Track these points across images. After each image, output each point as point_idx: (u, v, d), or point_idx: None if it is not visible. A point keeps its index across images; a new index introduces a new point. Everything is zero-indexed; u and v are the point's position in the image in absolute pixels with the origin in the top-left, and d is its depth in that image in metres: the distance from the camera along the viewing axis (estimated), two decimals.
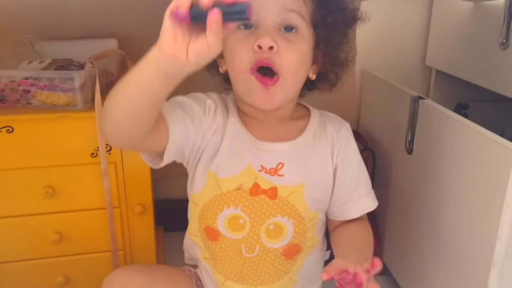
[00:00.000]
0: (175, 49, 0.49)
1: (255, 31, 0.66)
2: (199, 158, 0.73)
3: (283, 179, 0.73)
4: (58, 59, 0.94)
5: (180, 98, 0.71)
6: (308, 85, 0.77)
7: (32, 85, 0.88)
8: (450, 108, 0.87)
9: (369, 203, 0.79)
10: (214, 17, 0.47)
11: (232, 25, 0.50)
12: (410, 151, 0.97)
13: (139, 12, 0.90)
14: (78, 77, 0.87)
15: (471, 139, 0.76)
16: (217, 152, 0.72)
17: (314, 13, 0.69)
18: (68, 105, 0.89)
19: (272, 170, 0.73)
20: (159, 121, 0.64)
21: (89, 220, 0.96)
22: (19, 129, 0.88)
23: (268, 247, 0.74)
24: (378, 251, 1.15)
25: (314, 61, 0.72)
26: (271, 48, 0.64)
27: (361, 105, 1.28)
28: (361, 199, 0.78)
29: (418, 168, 0.94)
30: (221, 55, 0.71)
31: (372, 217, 1.11)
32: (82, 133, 0.90)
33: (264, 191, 0.72)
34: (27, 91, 0.88)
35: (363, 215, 0.79)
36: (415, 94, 0.95)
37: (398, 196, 1.06)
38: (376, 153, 1.13)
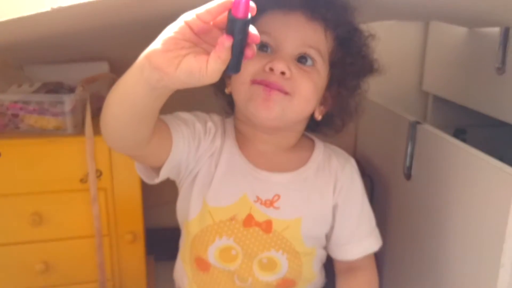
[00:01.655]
0: (165, 60, 0.46)
1: (270, 54, 0.65)
2: (193, 183, 0.70)
3: (279, 212, 0.70)
4: (48, 83, 0.93)
5: (183, 114, 0.69)
6: (313, 126, 0.75)
7: (21, 108, 0.86)
8: (448, 133, 0.85)
9: (372, 244, 0.76)
10: (225, 43, 0.45)
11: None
12: (408, 177, 0.95)
13: (130, 35, 0.90)
14: (68, 101, 0.85)
15: (471, 164, 0.74)
16: (212, 180, 0.70)
17: (334, 52, 0.68)
18: (57, 129, 0.87)
19: (268, 202, 0.70)
20: (163, 132, 0.62)
21: (77, 249, 0.92)
22: (6, 153, 0.85)
23: (260, 280, 0.71)
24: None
25: (323, 102, 0.70)
26: (283, 73, 0.62)
27: (358, 130, 1.26)
28: (363, 240, 0.75)
29: (417, 194, 0.92)
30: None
31: None
32: (71, 158, 0.88)
33: (258, 224, 0.69)
34: (15, 115, 0.86)
35: (370, 259, 0.76)
36: (412, 119, 0.93)
37: (397, 222, 1.03)
38: (374, 179, 1.11)
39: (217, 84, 0.69)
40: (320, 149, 0.75)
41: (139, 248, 0.96)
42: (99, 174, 0.89)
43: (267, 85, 0.62)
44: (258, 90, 0.63)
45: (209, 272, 0.72)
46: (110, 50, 0.98)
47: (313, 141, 0.76)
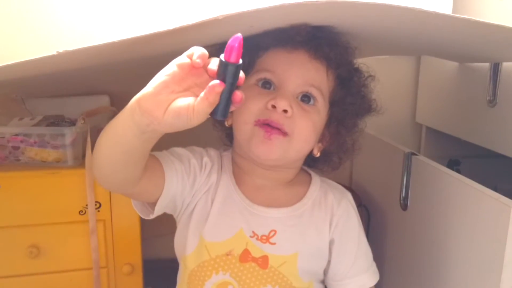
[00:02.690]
0: (154, 104, 0.48)
1: (273, 92, 0.66)
2: (190, 217, 0.70)
3: (275, 247, 0.69)
4: (49, 116, 0.94)
5: (178, 150, 0.70)
6: (310, 162, 0.76)
7: (21, 141, 0.87)
8: (442, 164, 0.87)
9: (368, 279, 0.75)
10: (216, 88, 0.46)
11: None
12: (404, 207, 0.96)
13: (131, 70, 0.91)
14: (69, 133, 0.86)
15: (467, 195, 0.76)
16: (208, 215, 0.70)
17: (334, 91, 0.69)
18: (57, 162, 0.87)
19: (264, 238, 0.69)
20: (155, 169, 0.63)
21: (75, 281, 0.91)
22: (6, 186, 0.85)
23: None
24: None
25: (321, 139, 0.72)
26: (285, 111, 0.63)
27: (354, 161, 1.28)
28: (359, 275, 0.74)
29: (413, 225, 0.93)
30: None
31: None
32: (71, 190, 0.88)
33: (255, 259, 0.69)
34: (16, 148, 0.87)
35: None
36: (408, 150, 0.95)
37: (394, 253, 1.03)
38: (370, 210, 1.12)
39: (217, 121, 0.71)
40: (317, 184, 0.75)
41: (137, 279, 0.95)
42: (98, 205, 0.89)
43: (268, 131, 0.64)
44: (259, 132, 0.64)
45: None
46: (111, 85, 1.00)
47: (310, 176, 0.77)
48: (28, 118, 0.92)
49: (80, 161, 0.89)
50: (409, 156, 0.93)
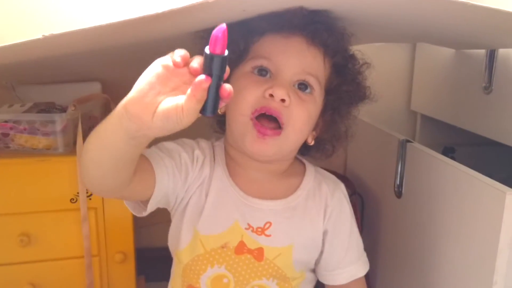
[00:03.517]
0: (141, 107, 0.46)
1: (269, 80, 0.64)
2: (184, 211, 0.69)
3: (270, 239, 0.69)
4: (39, 103, 0.93)
5: (167, 144, 0.68)
6: (303, 150, 0.74)
7: (11, 128, 0.85)
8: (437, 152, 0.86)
9: (359, 269, 0.75)
10: (202, 83, 0.44)
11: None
12: (399, 194, 0.95)
13: (122, 57, 0.90)
14: (59, 120, 0.85)
15: (461, 182, 0.75)
16: (202, 209, 0.68)
17: (330, 79, 0.68)
18: (48, 149, 0.86)
19: (259, 229, 0.69)
20: (144, 169, 0.61)
21: (66, 269, 0.91)
22: None
23: None
24: None
25: (315, 127, 0.70)
26: (283, 100, 0.62)
27: (348, 149, 1.27)
28: (350, 265, 0.74)
29: (408, 212, 0.93)
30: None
31: None
32: (62, 178, 0.87)
33: (250, 251, 0.68)
34: (5, 135, 0.86)
35: (360, 284, 0.76)
36: (402, 137, 0.94)
37: (388, 241, 1.03)
38: (364, 198, 1.12)
39: None
40: (311, 175, 0.74)
41: (130, 268, 0.95)
42: (89, 193, 0.88)
43: (261, 131, 0.62)
44: (253, 132, 0.63)
45: None
46: (102, 71, 0.98)
47: (304, 166, 0.76)
48: (18, 105, 0.91)
49: (71, 148, 0.88)
50: (403, 144, 0.93)
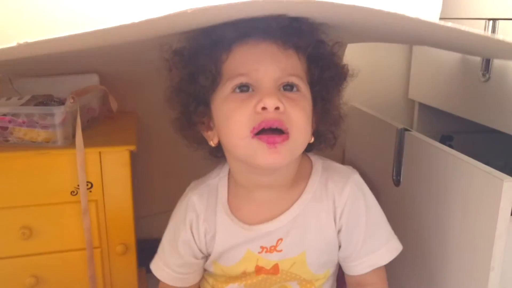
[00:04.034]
0: None
1: (254, 93, 0.61)
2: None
3: (282, 254, 0.70)
4: (37, 95, 0.92)
5: (177, 267, 0.75)
6: (306, 147, 0.72)
7: (10, 121, 0.85)
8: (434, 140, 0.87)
9: (381, 257, 0.72)
10: None
11: None
12: (397, 183, 0.96)
13: (119, 50, 0.90)
14: (58, 113, 0.85)
15: (459, 169, 0.76)
16: (214, 251, 0.72)
17: (310, 72, 0.66)
18: (47, 142, 0.86)
19: (272, 248, 0.70)
20: None
21: (68, 262, 0.91)
22: None
23: None
24: None
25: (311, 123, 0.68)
26: (277, 108, 0.59)
27: (346, 138, 1.27)
28: (369, 255, 0.72)
29: (407, 200, 0.93)
30: (208, 128, 0.68)
31: None
32: (62, 171, 0.87)
33: (267, 271, 0.70)
34: (4, 128, 0.86)
35: (379, 274, 0.74)
36: (400, 126, 0.95)
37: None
38: None
39: (193, 142, 0.69)
40: (317, 174, 0.72)
41: (131, 259, 0.95)
42: (89, 186, 0.89)
43: (271, 142, 0.60)
44: (262, 146, 0.60)
45: None
46: (99, 63, 0.98)
47: (311, 164, 0.74)
48: (16, 97, 0.91)
49: (70, 141, 0.88)
50: (402, 132, 0.93)
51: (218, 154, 0.71)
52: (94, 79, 1.02)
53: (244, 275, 0.72)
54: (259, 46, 0.62)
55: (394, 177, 0.96)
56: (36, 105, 0.89)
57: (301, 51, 0.64)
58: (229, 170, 0.73)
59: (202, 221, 0.71)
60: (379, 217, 0.74)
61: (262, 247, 0.69)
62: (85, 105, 0.95)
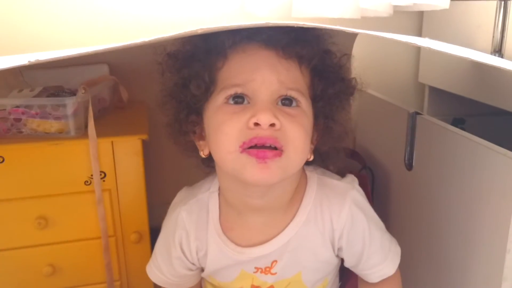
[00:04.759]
0: None
1: (249, 106, 0.56)
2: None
3: (277, 276, 0.68)
4: (48, 87, 0.93)
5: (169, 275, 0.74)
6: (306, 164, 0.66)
7: (23, 113, 0.86)
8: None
9: (386, 269, 0.71)
10: None
11: None
12: (409, 167, 0.95)
13: (130, 38, 0.90)
14: (70, 104, 0.85)
15: (473, 152, 0.75)
16: (207, 268, 0.71)
17: (313, 86, 0.61)
18: (60, 133, 0.87)
19: (267, 269, 0.68)
20: None
21: (84, 250, 0.92)
22: (10, 158, 0.85)
23: None
24: None
25: (311, 139, 0.63)
26: (272, 125, 0.55)
27: (358, 123, 1.27)
28: (377, 266, 0.71)
29: (419, 184, 0.93)
30: (200, 137, 0.64)
31: None
32: (75, 161, 0.88)
33: None
34: (18, 120, 0.86)
35: (393, 281, 0.73)
36: (412, 110, 0.94)
37: (399, 214, 1.04)
38: (374, 171, 1.12)
39: (187, 149, 0.67)
40: (311, 195, 0.68)
41: (145, 247, 0.96)
42: (103, 175, 0.89)
43: (260, 157, 0.55)
44: (251, 161, 0.55)
45: None
46: (109, 53, 0.98)
47: (305, 179, 0.69)
48: (27, 89, 0.91)
49: (82, 131, 0.88)
50: (413, 116, 0.93)
51: (210, 165, 0.67)
52: (104, 70, 1.02)
53: None
54: (257, 55, 0.58)
55: (406, 161, 0.96)
56: (47, 96, 0.89)
57: (304, 63, 0.60)
58: (219, 186, 0.69)
59: (193, 239, 0.69)
60: (379, 229, 0.71)
61: (256, 268, 0.68)
62: (96, 95, 0.95)
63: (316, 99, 0.62)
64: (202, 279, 0.78)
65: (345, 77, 0.64)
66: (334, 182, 0.69)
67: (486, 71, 1.00)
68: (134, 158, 0.90)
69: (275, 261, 0.67)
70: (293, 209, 0.67)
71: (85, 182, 0.89)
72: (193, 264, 0.72)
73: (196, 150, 0.66)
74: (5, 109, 0.86)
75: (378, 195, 1.11)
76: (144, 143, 0.90)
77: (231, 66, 0.59)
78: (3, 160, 0.85)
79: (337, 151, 0.66)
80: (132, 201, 0.93)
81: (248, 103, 0.57)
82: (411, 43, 0.50)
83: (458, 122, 1.23)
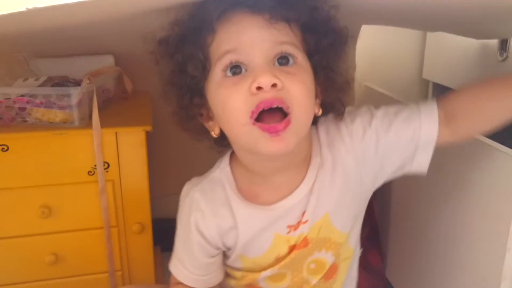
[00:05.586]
0: None
1: (247, 74, 0.57)
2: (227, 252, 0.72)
3: (308, 224, 0.67)
4: (53, 76, 0.93)
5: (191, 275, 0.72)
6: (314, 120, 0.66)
7: (27, 102, 0.86)
8: None
9: (426, 109, 0.65)
10: None
11: None
12: None
13: (135, 29, 0.90)
14: (75, 94, 0.85)
15: (476, 149, 0.75)
16: (239, 243, 0.68)
17: (306, 41, 0.61)
18: (64, 122, 0.87)
19: (299, 223, 0.67)
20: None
21: (86, 240, 0.93)
22: (14, 147, 0.86)
23: (312, 282, 0.71)
24: (381, 268, 1.13)
25: (316, 94, 0.63)
26: (274, 85, 0.55)
27: None
28: (419, 120, 0.65)
29: (422, 181, 0.93)
30: (208, 118, 0.64)
31: (374, 231, 1.10)
32: (79, 151, 0.88)
33: (299, 247, 0.68)
34: (22, 109, 0.87)
35: (445, 99, 0.66)
36: None
37: (401, 210, 1.04)
38: None
39: (196, 133, 0.66)
40: (318, 138, 0.68)
41: (147, 238, 0.97)
42: (106, 166, 0.90)
43: (272, 131, 0.56)
44: (263, 135, 0.56)
45: None
46: (115, 44, 0.98)
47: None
48: (32, 78, 0.91)
49: (86, 121, 0.88)
50: None
51: (224, 143, 0.68)
52: (109, 60, 1.02)
53: (276, 261, 0.69)
54: (244, 21, 0.57)
55: None
56: (52, 86, 0.89)
57: (293, 22, 0.59)
58: (231, 159, 0.70)
59: (210, 217, 0.68)
60: (388, 107, 0.68)
61: (289, 226, 0.67)
62: (101, 86, 0.96)
63: (311, 53, 0.62)
64: (224, 278, 0.76)
65: (336, 27, 0.63)
66: (330, 126, 0.69)
67: (492, 69, 0.99)
68: (137, 149, 0.90)
69: (304, 211, 0.66)
70: (307, 156, 0.67)
71: (89, 172, 0.89)
72: (214, 247, 0.69)
73: (206, 132, 0.66)
74: (9, 98, 0.86)
75: (380, 190, 1.11)
76: (148, 135, 0.91)
77: (220, 37, 0.59)
78: (7, 149, 0.85)
79: (342, 103, 0.66)
80: (135, 192, 0.93)
81: (246, 71, 0.57)
82: None
83: None
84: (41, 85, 0.88)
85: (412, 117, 0.65)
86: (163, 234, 1.18)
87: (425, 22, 0.89)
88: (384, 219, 1.11)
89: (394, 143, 0.65)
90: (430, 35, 1.28)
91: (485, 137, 0.75)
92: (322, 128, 0.69)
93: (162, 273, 1.18)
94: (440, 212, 0.86)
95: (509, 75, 0.63)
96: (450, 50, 1.17)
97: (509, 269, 0.69)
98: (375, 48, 1.27)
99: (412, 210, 0.98)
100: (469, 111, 0.64)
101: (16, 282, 0.92)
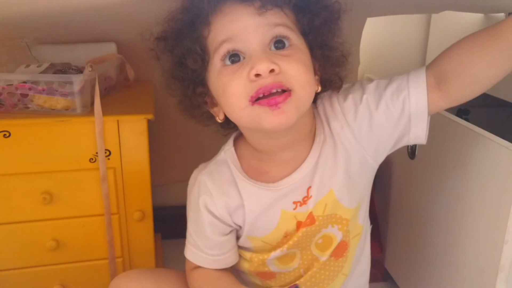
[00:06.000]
0: None
1: (245, 61, 0.59)
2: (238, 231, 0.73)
3: (314, 199, 0.68)
4: (56, 63, 0.93)
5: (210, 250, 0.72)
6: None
7: (30, 89, 0.86)
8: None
9: (413, 76, 0.65)
10: None
11: None
12: (412, 156, 0.96)
13: (138, 16, 0.90)
14: (77, 81, 0.85)
15: (475, 143, 0.76)
16: (247, 221, 0.69)
17: (299, 22, 0.62)
18: (66, 110, 0.87)
19: (305, 199, 0.68)
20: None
21: (87, 227, 0.94)
22: (16, 133, 0.86)
23: (322, 259, 0.72)
24: (380, 258, 1.14)
25: (314, 71, 0.64)
26: (272, 71, 0.56)
27: None
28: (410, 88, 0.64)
29: (421, 173, 0.94)
30: (213, 104, 0.67)
31: (374, 223, 1.10)
32: (80, 138, 0.88)
33: (305, 224, 0.68)
34: (25, 95, 0.87)
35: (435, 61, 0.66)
36: None
37: (401, 202, 1.05)
38: None
39: (202, 118, 0.68)
40: (319, 115, 0.69)
41: (148, 225, 0.97)
42: (108, 153, 0.90)
43: (272, 104, 0.57)
44: (264, 110, 0.58)
45: (276, 278, 0.74)
46: (117, 31, 0.98)
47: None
48: (34, 65, 0.91)
49: (88, 109, 0.89)
50: None
51: (230, 126, 0.71)
52: (111, 48, 1.02)
53: (285, 238, 0.69)
54: (236, 10, 0.59)
55: (409, 150, 0.96)
56: (54, 73, 0.89)
57: (284, 6, 0.61)
58: (236, 141, 0.72)
59: (218, 196, 0.69)
60: (386, 79, 0.68)
61: (295, 202, 0.68)
62: (103, 73, 0.96)
63: (305, 32, 0.63)
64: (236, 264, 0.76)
65: (328, 3, 0.64)
66: (325, 102, 0.70)
67: None
68: (139, 137, 0.91)
69: (309, 186, 0.67)
70: (311, 134, 0.69)
71: (90, 160, 0.90)
72: (226, 225, 0.70)
73: (212, 117, 0.69)
74: (12, 84, 0.86)
75: (380, 182, 1.12)
76: (150, 123, 0.91)
77: (215, 29, 0.60)
78: (9, 135, 0.86)
79: (339, 77, 0.67)
80: (136, 179, 0.94)
81: (244, 58, 0.59)
82: None
83: (462, 113, 1.22)
84: (43, 72, 0.89)
85: (400, 88, 0.65)
86: (164, 221, 1.19)
87: (432, 1, 0.88)
88: (384, 211, 1.12)
89: (386, 117, 0.65)
90: (433, 27, 1.28)
91: (484, 130, 0.75)
92: (320, 106, 0.70)
93: (163, 260, 1.19)
94: (439, 205, 0.87)
95: (494, 26, 0.62)
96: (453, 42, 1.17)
97: (506, 261, 0.70)
98: (378, 42, 1.26)
99: (411, 202, 0.99)
100: (457, 68, 0.63)
101: (17, 267, 0.93)
